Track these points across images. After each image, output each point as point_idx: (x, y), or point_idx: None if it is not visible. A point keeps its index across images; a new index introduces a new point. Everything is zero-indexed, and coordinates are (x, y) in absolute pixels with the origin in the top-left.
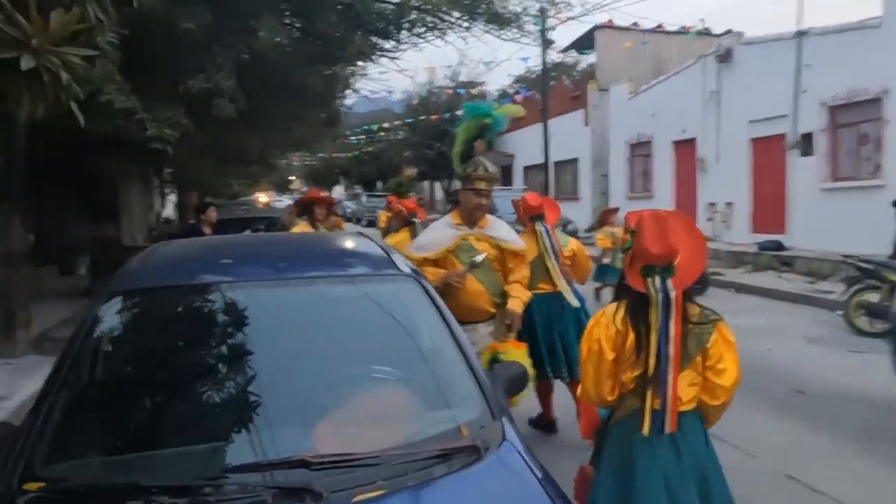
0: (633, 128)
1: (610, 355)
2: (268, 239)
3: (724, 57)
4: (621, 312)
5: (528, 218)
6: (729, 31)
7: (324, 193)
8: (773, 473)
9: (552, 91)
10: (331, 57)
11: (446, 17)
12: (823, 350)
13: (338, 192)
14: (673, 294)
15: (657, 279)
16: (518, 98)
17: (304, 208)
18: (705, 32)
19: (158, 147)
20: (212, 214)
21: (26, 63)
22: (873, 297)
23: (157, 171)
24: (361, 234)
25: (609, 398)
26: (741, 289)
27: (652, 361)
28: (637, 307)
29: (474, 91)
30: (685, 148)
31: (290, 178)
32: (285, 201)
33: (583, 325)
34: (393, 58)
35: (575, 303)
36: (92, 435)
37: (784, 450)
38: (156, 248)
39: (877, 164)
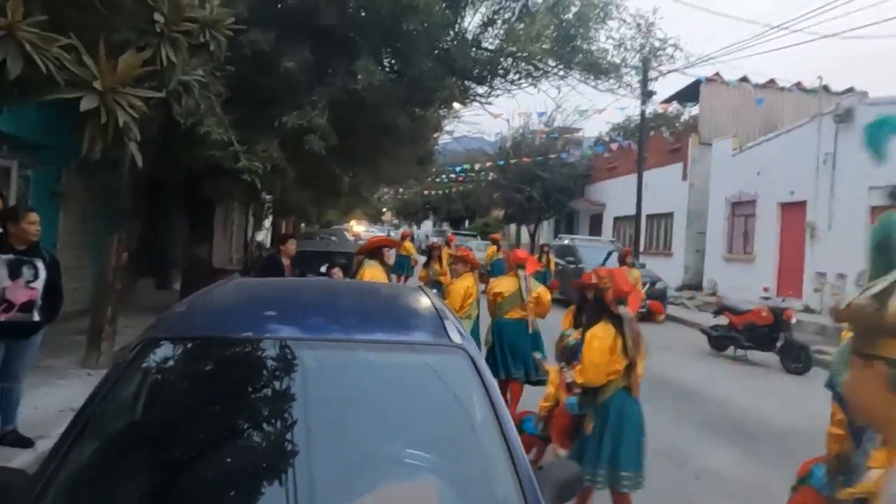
0: (736, 185)
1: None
2: (321, 289)
3: (844, 117)
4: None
5: (515, 266)
6: (850, 90)
7: (402, 230)
8: None
9: (650, 142)
10: (423, 100)
11: (541, 65)
12: None
13: (426, 227)
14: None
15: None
16: (613, 147)
17: (373, 252)
18: (822, 89)
19: (247, 178)
20: (290, 247)
21: (86, 104)
22: None
23: (255, 197)
24: (420, 289)
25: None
26: None
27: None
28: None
29: (569, 136)
30: (793, 211)
31: (383, 210)
32: (376, 232)
33: (536, 344)
34: (485, 103)
35: (532, 328)
36: (102, 496)
37: None
38: (207, 291)
39: None
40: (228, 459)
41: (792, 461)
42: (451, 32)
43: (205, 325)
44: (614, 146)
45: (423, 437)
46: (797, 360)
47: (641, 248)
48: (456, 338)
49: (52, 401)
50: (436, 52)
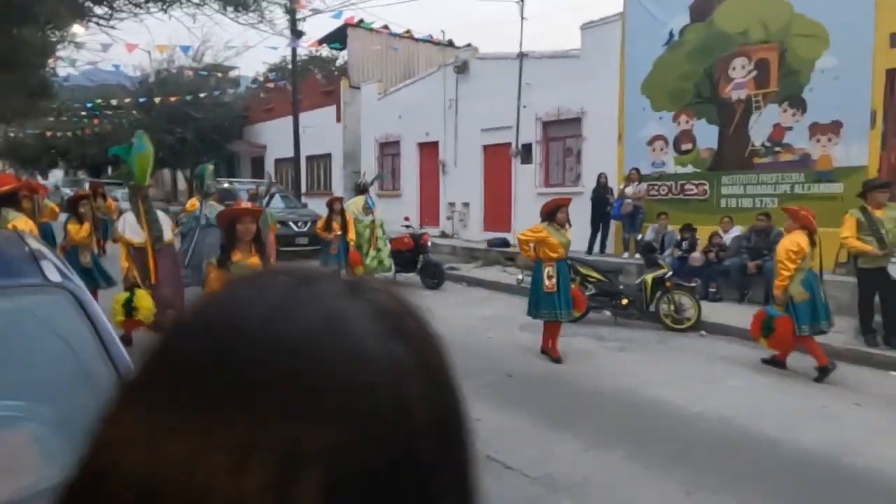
0: (383, 127)
1: None
2: None
3: (462, 68)
4: None
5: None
6: (469, 45)
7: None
8: (479, 457)
9: (305, 84)
10: (21, 17)
11: None
12: (531, 336)
13: (56, 176)
14: None
15: None
16: (270, 86)
17: (8, 200)
18: (449, 44)
19: None
20: None
21: None
22: None
23: None
24: (14, 231)
25: None
26: (472, 282)
27: None
28: None
29: (231, 75)
30: (429, 150)
31: None
32: None
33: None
34: (108, 27)
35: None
36: None
37: (489, 432)
38: None
39: (578, 173)
40: None
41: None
42: None
43: None
44: (271, 86)
45: (19, 387)
46: (433, 276)
47: (303, 190)
48: (54, 276)
49: None
50: None
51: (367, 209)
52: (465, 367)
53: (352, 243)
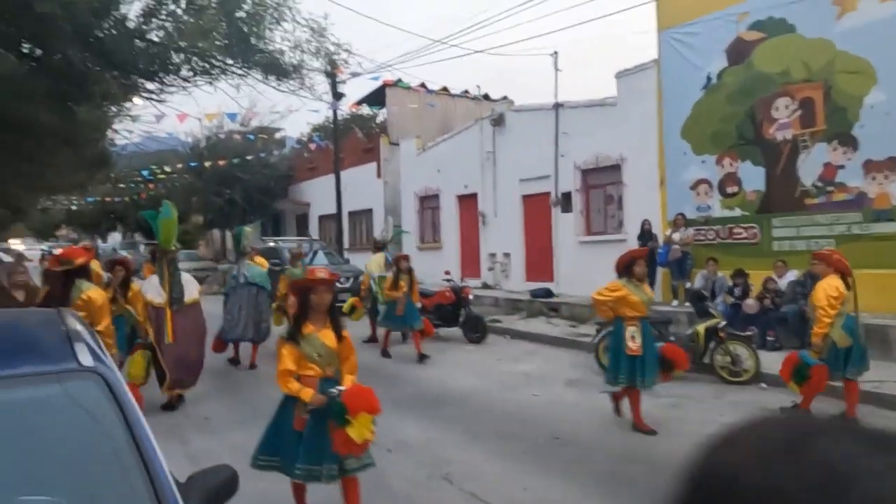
0: (422, 181)
1: None
2: None
3: (498, 121)
4: None
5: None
6: (505, 98)
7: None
8: None
9: (346, 142)
10: (77, 95)
11: (217, 63)
12: (578, 393)
13: (114, 239)
14: None
15: None
16: (312, 147)
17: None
18: (485, 98)
19: None
20: None
21: None
22: None
23: None
24: (49, 310)
25: None
26: (516, 335)
27: None
28: None
29: (277, 136)
30: (468, 202)
31: (57, 224)
32: (45, 249)
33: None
34: (158, 100)
35: None
36: None
37: None
38: None
39: (620, 220)
40: None
41: (465, 417)
42: (110, 21)
43: None
44: (313, 146)
45: (45, 480)
46: (476, 330)
47: (346, 245)
48: (87, 361)
49: None
50: (90, 40)
51: (388, 265)
52: (509, 429)
53: (417, 303)
